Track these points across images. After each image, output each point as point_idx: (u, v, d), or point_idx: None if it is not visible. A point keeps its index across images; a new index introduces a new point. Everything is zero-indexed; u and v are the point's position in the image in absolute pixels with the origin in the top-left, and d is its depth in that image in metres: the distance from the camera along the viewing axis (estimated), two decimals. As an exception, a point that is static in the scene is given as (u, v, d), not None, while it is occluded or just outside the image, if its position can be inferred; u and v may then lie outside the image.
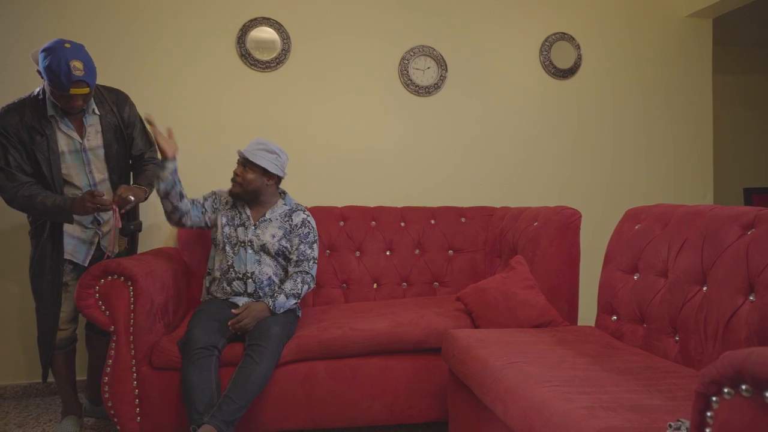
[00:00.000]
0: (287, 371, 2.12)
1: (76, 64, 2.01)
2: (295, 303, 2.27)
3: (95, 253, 2.32)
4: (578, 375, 1.45)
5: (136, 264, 2.12)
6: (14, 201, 2.12)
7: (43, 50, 2.02)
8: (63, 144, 2.18)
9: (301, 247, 2.37)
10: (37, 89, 2.18)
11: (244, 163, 2.34)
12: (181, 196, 2.28)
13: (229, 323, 2.12)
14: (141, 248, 2.71)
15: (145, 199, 2.30)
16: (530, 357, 1.61)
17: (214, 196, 2.46)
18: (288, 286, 2.26)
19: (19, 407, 2.68)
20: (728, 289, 1.50)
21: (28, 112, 2.12)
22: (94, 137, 2.24)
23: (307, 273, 2.34)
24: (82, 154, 2.22)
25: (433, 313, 2.32)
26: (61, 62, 1.97)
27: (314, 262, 2.38)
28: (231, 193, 2.39)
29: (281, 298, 2.21)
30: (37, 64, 2.06)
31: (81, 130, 2.21)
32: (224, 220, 2.39)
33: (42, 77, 2.06)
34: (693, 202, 3.41)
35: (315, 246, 2.41)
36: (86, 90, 2.06)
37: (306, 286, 2.31)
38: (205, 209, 2.41)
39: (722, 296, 1.52)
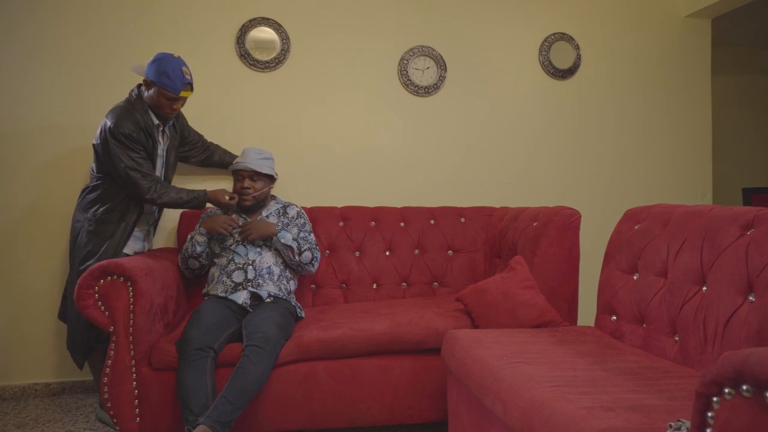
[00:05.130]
0: (287, 371, 2.12)
1: (186, 70, 2.35)
2: (294, 247, 2.39)
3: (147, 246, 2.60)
4: (578, 375, 1.45)
5: (136, 264, 2.12)
6: (155, 198, 2.32)
7: (156, 60, 2.31)
8: (158, 147, 2.46)
9: (302, 234, 2.50)
10: (127, 97, 2.37)
11: (252, 175, 2.46)
12: (208, 255, 2.46)
13: (238, 234, 2.36)
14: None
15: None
16: (530, 357, 1.61)
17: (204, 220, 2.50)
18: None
19: (18, 408, 2.68)
20: (728, 289, 1.51)
21: (139, 116, 2.33)
22: (167, 146, 2.53)
23: (316, 249, 2.48)
24: (163, 158, 2.51)
25: (433, 313, 2.32)
26: (176, 68, 2.30)
27: (317, 247, 2.51)
28: (242, 207, 2.49)
29: (288, 234, 2.36)
30: (143, 75, 2.34)
31: (162, 137, 2.49)
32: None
33: (146, 87, 2.34)
34: (692, 202, 3.41)
35: (312, 235, 2.56)
36: (190, 93, 2.39)
37: (311, 254, 2.44)
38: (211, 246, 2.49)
39: (722, 296, 1.52)
